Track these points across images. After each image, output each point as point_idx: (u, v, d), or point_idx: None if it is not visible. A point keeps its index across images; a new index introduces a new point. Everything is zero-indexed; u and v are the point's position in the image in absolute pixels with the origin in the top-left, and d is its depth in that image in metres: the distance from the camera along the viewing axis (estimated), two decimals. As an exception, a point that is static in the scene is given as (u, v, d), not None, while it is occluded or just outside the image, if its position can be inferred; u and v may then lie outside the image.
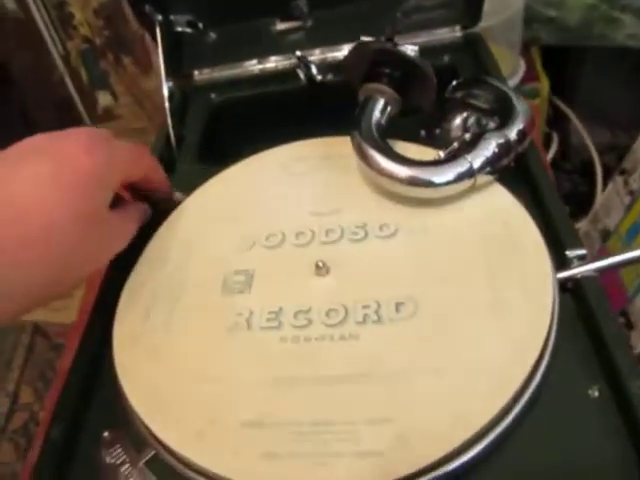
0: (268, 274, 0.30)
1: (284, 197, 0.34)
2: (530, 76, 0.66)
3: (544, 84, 0.66)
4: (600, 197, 0.74)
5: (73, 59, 0.85)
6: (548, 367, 0.23)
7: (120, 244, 0.30)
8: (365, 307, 0.26)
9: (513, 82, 0.63)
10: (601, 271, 0.26)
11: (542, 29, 0.66)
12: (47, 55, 0.84)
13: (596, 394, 0.23)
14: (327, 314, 0.27)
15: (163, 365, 0.27)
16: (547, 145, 0.80)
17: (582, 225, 0.72)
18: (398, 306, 0.26)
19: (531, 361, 0.23)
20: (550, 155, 0.78)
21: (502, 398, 0.22)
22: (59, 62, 0.86)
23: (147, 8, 0.44)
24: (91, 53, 0.84)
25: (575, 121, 0.80)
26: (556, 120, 0.83)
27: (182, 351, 0.27)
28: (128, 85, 0.85)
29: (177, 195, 0.36)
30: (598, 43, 0.65)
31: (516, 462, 0.22)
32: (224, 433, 0.24)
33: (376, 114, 0.32)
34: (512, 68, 0.63)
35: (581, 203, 0.78)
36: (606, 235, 0.64)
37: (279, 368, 0.25)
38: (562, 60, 0.77)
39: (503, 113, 0.32)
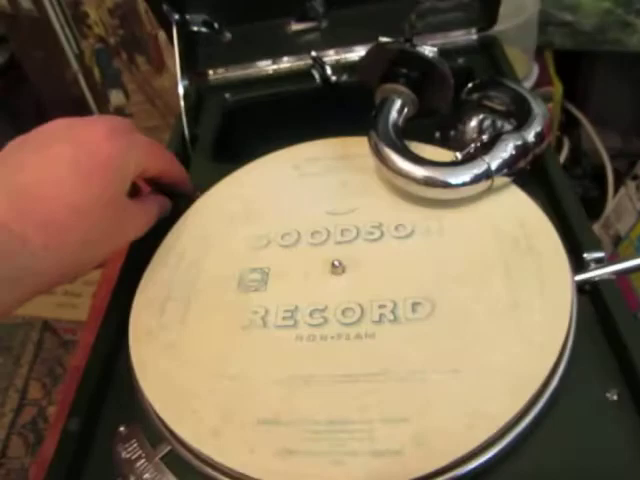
0: (283, 272, 0.30)
1: (300, 196, 0.34)
2: (543, 80, 0.66)
3: (557, 88, 0.66)
4: (611, 202, 0.74)
5: (87, 58, 0.86)
6: (566, 370, 0.23)
7: (136, 231, 0.30)
8: (381, 306, 0.26)
9: (527, 86, 0.63)
10: (618, 274, 0.25)
11: (557, 33, 0.66)
12: (61, 54, 0.85)
13: (615, 397, 0.23)
14: (343, 313, 0.27)
15: (179, 361, 0.27)
16: (558, 150, 0.79)
17: (594, 229, 0.72)
18: (415, 306, 0.26)
19: (549, 363, 0.23)
20: (561, 160, 0.78)
21: (520, 400, 0.22)
22: (73, 61, 0.86)
23: (165, 7, 0.45)
24: (105, 52, 0.85)
25: (587, 126, 0.80)
26: (567, 125, 0.83)
27: (198, 348, 0.27)
28: (140, 84, 0.85)
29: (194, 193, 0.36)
30: (613, 48, 0.65)
31: (533, 465, 0.22)
32: (240, 430, 0.24)
33: (393, 115, 0.32)
34: (526, 72, 0.63)
35: (592, 208, 0.78)
36: (617, 240, 0.64)
37: (295, 366, 0.25)
38: (574, 65, 0.77)
39: (520, 115, 0.32)
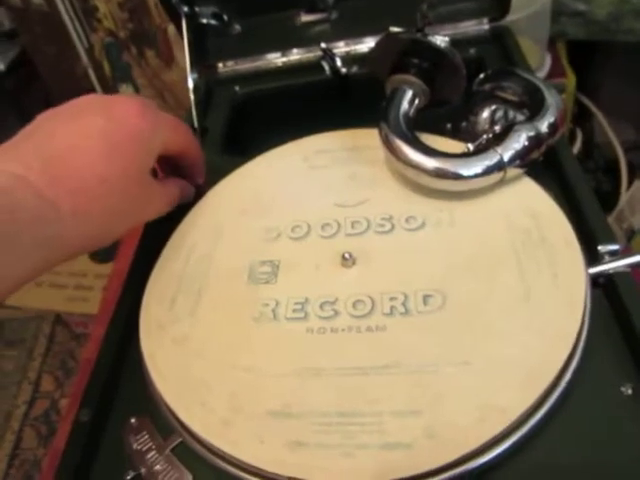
0: (294, 265, 0.30)
1: (310, 188, 0.34)
2: (556, 71, 0.65)
3: (570, 80, 0.65)
4: (625, 196, 0.73)
5: (97, 52, 0.86)
6: (580, 363, 0.23)
7: (157, 210, 0.31)
8: (392, 299, 0.26)
9: (540, 77, 0.62)
10: (633, 267, 0.25)
11: (570, 23, 0.65)
12: (71, 48, 0.85)
13: (629, 392, 0.22)
14: (354, 305, 0.27)
15: (189, 352, 0.27)
16: (571, 142, 0.79)
17: (606, 223, 0.71)
18: (426, 298, 0.26)
19: (563, 356, 0.22)
20: (574, 152, 0.77)
21: (533, 393, 0.22)
22: (83, 55, 0.86)
23: (174, 0, 0.45)
24: (114, 46, 0.85)
25: (600, 118, 0.79)
26: (580, 117, 0.81)
27: (209, 339, 0.27)
28: (150, 78, 0.85)
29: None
30: (626, 38, 0.64)
31: (546, 459, 0.22)
32: (250, 421, 0.24)
33: (404, 105, 0.32)
34: (538, 63, 0.62)
35: (605, 202, 0.77)
36: (631, 234, 0.63)
37: (305, 359, 0.25)
38: (588, 56, 0.76)
39: (533, 105, 0.31)
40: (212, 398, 0.25)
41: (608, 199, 0.77)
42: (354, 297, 0.27)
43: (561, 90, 0.64)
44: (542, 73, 0.63)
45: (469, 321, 0.25)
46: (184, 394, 0.25)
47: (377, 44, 0.34)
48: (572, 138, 0.79)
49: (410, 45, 0.32)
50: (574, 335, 0.23)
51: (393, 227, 0.30)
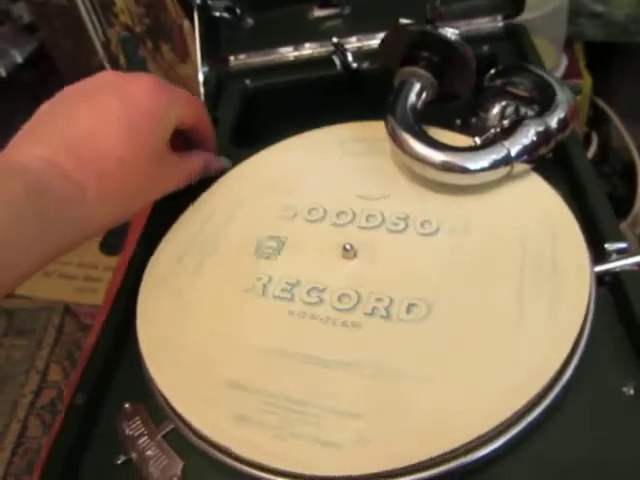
0: (299, 246, 0.30)
1: (338, 175, 0.33)
2: (572, 73, 0.64)
3: (587, 81, 0.64)
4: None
5: (113, 46, 0.87)
6: (580, 363, 0.22)
7: (176, 182, 0.32)
8: (378, 300, 0.26)
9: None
10: (642, 265, 0.24)
11: (588, 24, 0.64)
12: (88, 42, 0.86)
13: (631, 392, 0.22)
14: (339, 298, 0.26)
15: (179, 310, 0.28)
16: (586, 146, 0.77)
17: (620, 228, 0.70)
18: (410, 307, 0.25)
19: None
20: (589, 156, 0.76)
21: (496, 419, 0.21)
22: (99, 49, 0.87)
23: (186, -9, 0.45)
24: (130, 40, 0.85)
25: (616, 122, 0.78)
26: (596, 120, 0.80)
27: (199, 301, 0.28)
28: (165, 72, 0.86)
29: (223, 161, 0.37)
30: (645, 40, 0.63)
31: (543, 458, 0.21)
32: (209, 388, 0.24)
33: (412, 98, 0.31)
34: (554, 63, 0.62)
35: (620, 207, 0.76)
36: (645, 239, 0.62)
37: (277, 338, 0.26)
38: (606, 59, 0.75)
39: (544, 101, 0.31)
40: (185, 358, 0.26)
41: (624, 204, 0.76)
42: (342, 290, 0.27)
43: (577, 92, 0.63)
44: (558, 74, 0.62)
45: (450, 334, 0.24)
46: (166, 360, 0.26)
47: (386, 36, 0.33)
48: (587, 141, 0.78)
49: (420, 37, 0.32)
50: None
51: (406, 227, 0.29)
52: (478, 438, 0.20)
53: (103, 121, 0.27)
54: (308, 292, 0.27)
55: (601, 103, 0.79)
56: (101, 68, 0.88)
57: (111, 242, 0.85)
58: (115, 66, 0.88)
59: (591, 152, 0.77)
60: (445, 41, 0.31)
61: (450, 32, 0.31)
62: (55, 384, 0.80)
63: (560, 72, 0.63)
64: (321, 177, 0.33)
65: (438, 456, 0.20)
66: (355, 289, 0.27)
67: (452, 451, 0.20)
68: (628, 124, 0.76)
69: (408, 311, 0.25)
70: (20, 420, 0.75)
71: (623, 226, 0.70)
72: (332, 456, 0.21)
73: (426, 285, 0.26)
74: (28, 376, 0.81)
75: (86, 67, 0.89)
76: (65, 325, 0.85)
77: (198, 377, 0.25)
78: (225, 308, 0.28)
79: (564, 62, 0.63)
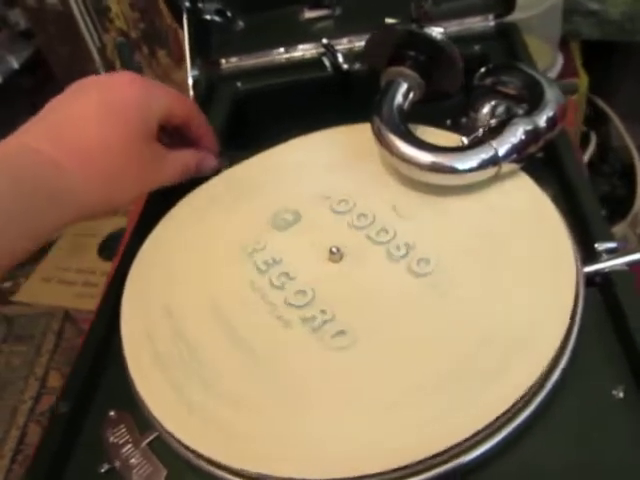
0: (308, 229, 0.30)
1: (373, 176, 0.32)
2: (569, 72, 0.64)
3: (583, 80, 0.63)
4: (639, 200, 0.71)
5: (109, 51, 0.87)
6: (568, 365, 0.22)
7: (169, 175, 0.32)
8: (322, 312, 0.25)
9: (550, 76, 0.61)
10: (631, 265, 0.24)
11: (583, 23, 0.64)
12: (84, 48, 0.86)
13: (621, 395, 0.21)
14: (297, 293, 0.27)
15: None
16: (584, 145, 0.77)
17: (620, 228, 0.70)
18: (339, 333, 0.25)
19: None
20: (587, 155, 0.76)
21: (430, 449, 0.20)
22: (95, 55, 0.87)
23: (175, -5, 0.44)
24: (126, 46, 0.85)
25: (616, 121, 0.77)
26: (596, 120, 0.80)
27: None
28: (161, 77, 0.86)
29: (221, 160, 0.37)
30: (642, 38, 0.62)
31: (530, 462, 0.21)
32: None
33: (398, 98, 0.31)
34: (549, 62, 0.61)
35: (620, 206, 0.75)
36: (645, 238, 0.61)
37: (227, 311, 0.27)
38: (605, 57, 0.74)
39: (533, 100, 0.30)
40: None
41: (623, 204, 0.75)
42: (305, 286, 0.27)
43: (573, 90, 0.62)
44: (553, 73, 0.62)
45: (369, 364, 0.23)
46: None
47: (372, 36, 0.33)
48: (586, 141, 0.78)
49: (405, 37, 0.31)
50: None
51: (406, 255, 0.27)
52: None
53: (82, 108, 0.29)
54: (280, 274, 0.28)
55: (600, 103, 0.78)
56: (97, 74, 0.88)
57: (109, 247, 0.84)
58: (111, 71, 0.88)
59: (589, 152, 0.77)
60: (431, 40, 0.30)
61: (436, 31, 0.30)
62: (54, 390, 0.80)
63: (556, 71, 0.62)
64: (359, 175, 0.32)
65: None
66: (315, 291, 0.26)
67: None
68: (628, 124, 0.76)
69: (334, 336, 0.24)
70: (20, 427, 0.74)
71: (623, 225, 0.69)
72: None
73: (366, 314, 0.25)
74: (27, 382, 0.80)
75: (82, 73, 0.89)
76: (65, 331, 0.84)
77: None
78: (215, 265, 0.29)
79: (560, 61, 0.63)
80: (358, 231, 0.29)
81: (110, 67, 0.87)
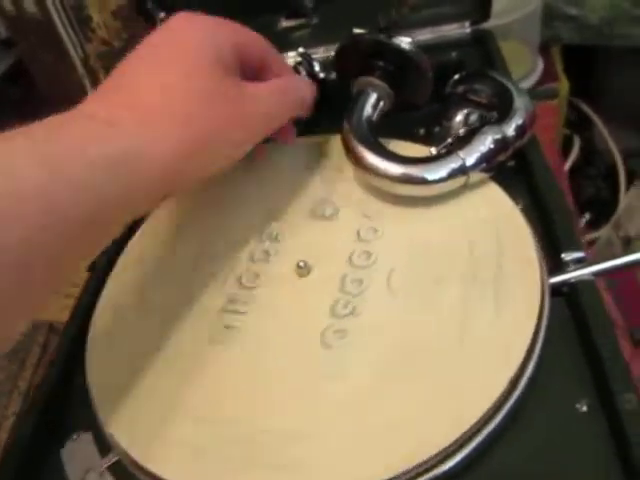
0: (332, 228, 0.30)
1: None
2: (549, 76, 0.64)
3: (564, 84, 0.63)
4: (623, 203, 0.71)
5: (92, 61, 0.86)
6: (531, 377, 0.21)
7: (269, 123, 0.28)
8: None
9: (530, 81, 0.61)
10: (598, 275, 0.24)
11: (563, 28, 0.64)
12: (67, 57, 0.85)
13: (584, 408, 0.21)
14: (247, 278, 0.28)
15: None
16: (568, 149, 0.77)
17: (604, 232, 0.70)
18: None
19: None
20: (571, 159, 0.76)
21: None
22: (78, 65, 0.87)
23: (149, 4, 0.44)
24: (109, 55, 0.85)
25: (599, 124, 0.77)
26: (580, 124, 0.80)
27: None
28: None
29: None
30: (621, 43, 0.62)
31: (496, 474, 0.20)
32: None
33: (368, 109, 0.31)
34: (529, 67, 0.61)
35: (604, 209, 0.75)
36: (628, 241, 0.61)
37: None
38: (588, 61, 0.75)
39: (502, 108, 0.30)
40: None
41: (607, 206, 0.75)
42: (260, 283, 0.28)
43: (554, 95, 0.62)
44: (534, 77, 0.62)
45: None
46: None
47: (341, 46, 0.33)
48: (570, 145, 0.78)
49: (374, 47, 0.31)
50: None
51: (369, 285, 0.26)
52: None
53: (134, 57, 0.26)
54: (263, 260, 0.29)
55: (584, 107, 0.78)
56: (81, 84, 0.88)
57: (94, 260, 0.84)
58: (95, 82, 0.87)
59: (573, 155, 0.77)
60: (399, 50, 0.30)
61: (404, 42, 0.30)
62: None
63: (537, 76, 0.63)
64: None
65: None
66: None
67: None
68: (612, 128, 0.76)
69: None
70: (2, 443, 0.74)
71: (607, 228, 0.69)
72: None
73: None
74: (11, 397, 0.80)
75: (66, 82, 0.89)
76: (49, 345, 0.84)
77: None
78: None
79: (540, 66, 0.63)
80: (357, 242, 0.28)
81: (94, 77, 0.86)
